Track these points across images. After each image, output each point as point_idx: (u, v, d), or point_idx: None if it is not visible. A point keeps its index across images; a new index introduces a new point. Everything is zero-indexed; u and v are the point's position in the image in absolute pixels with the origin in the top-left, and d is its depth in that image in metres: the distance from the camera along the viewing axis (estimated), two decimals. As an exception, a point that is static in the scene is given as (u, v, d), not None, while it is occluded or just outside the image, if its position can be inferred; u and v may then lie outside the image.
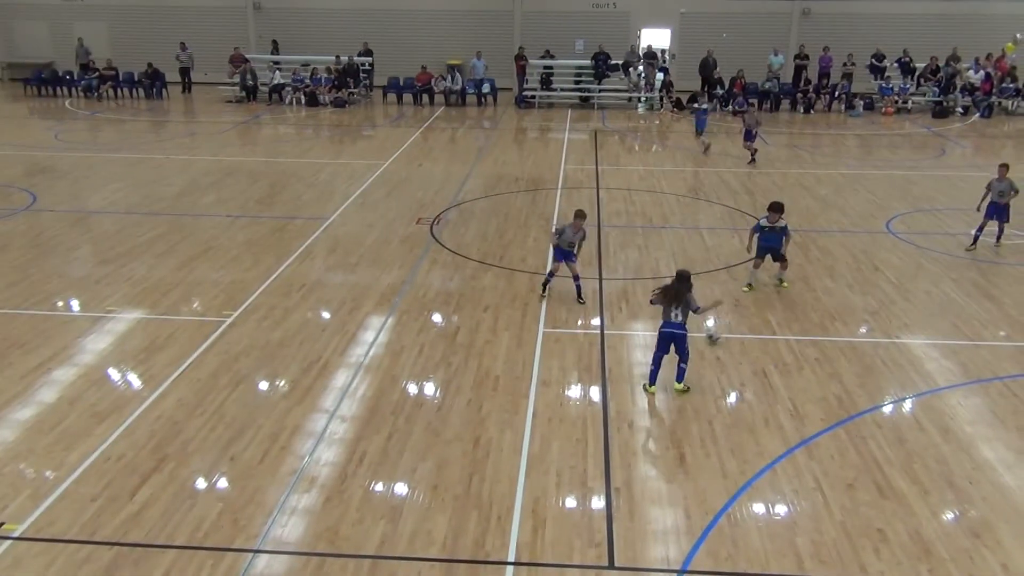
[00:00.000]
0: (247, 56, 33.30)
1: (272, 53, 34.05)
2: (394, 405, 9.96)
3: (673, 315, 10.18)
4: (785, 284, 13.73)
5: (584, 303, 12.92)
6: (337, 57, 32.41)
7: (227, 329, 11.93)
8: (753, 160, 22.29)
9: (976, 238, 15.43)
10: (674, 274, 10.48)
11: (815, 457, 8.97)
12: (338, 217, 17.25)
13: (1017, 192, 15.30)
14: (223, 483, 8.45)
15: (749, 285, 13.57)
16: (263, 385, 10.47)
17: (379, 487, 8.43)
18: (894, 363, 11.14)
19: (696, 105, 24.97)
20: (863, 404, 10.04)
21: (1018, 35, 29.29)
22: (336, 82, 31.69)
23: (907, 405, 10.16)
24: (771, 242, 13.49)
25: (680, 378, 10.31)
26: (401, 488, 8.42)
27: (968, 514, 8.06)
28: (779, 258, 13.61)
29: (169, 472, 8.57)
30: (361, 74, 32.99)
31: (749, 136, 22.34)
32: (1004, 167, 15.40)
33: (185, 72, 33.54)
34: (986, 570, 7.28)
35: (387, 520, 7.90)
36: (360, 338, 11.77)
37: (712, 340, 11.63)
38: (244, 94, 32.19)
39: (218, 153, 23.39)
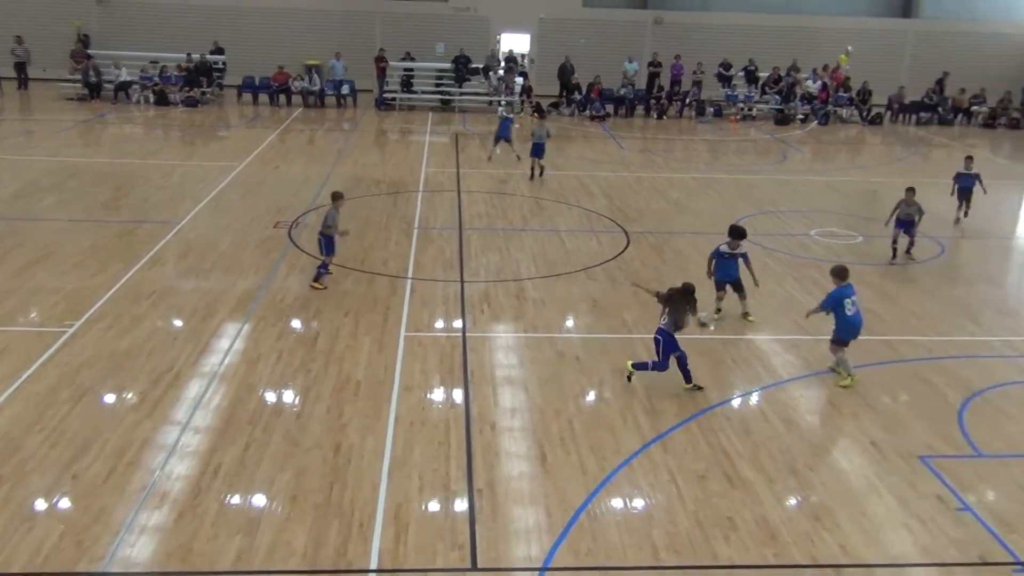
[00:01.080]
0: (90, 51, 31.60)
1: (84, 47, 32.06)
2: (251, 414, 9.68)
3: (661, 319, 10.55)
4: (751, 318, 12.84)
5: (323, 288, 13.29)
6: (188, 55, 31.21)
7: (69, 340, 11.29)
8: (537, 175, 20.80)
9: (895, 251, 15.95)
10: (682, 286, 10.69)
11: (670, 451, 9.29)
12: (190, 221, 16.62)
13: (922, 214, 15.70)
14: (65, 503, 7.98)
15: (718, 310, 12.84)
16: (109, 398, 9.96)
17: (235, 500, 8.17)
18: (742, 359, 11.68)
19: (503, 113, 24.66)
20: (714, 399, 10.48)
21: (849, 48, 31.32)
22: (188, 81, 30.53)
23: (753, 398, 10.66)
24: (730, 270, 12.68)
25: (639, 366, 10.77)
26: (259, 500, 8.19)
27: (809, 499, 8.53)
28: (738, 288, 12.75)
29: (4, 494, 8.02)
30: (214, 73, 31.89)
31: (536, 151, 20.85)
32: (911, 191, 15.74)
33: (21, 67, 31.51)
34: (826, 551, 7.73)
35: (244, 534, 7.66)
36: (214, 346, 11.38)
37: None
38: (87, 91, 30.55)
39: (58, 153, 22.11)
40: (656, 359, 10.58)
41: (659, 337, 10.47)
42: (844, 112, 32.68)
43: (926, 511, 8.35)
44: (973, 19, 35.94)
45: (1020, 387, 11.08)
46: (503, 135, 23.21)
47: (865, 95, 32.42)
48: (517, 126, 29.43)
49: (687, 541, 7.82)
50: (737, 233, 12.74)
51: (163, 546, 7.46)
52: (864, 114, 32.37)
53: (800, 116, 32.21)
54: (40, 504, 7.95)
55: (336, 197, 13.59)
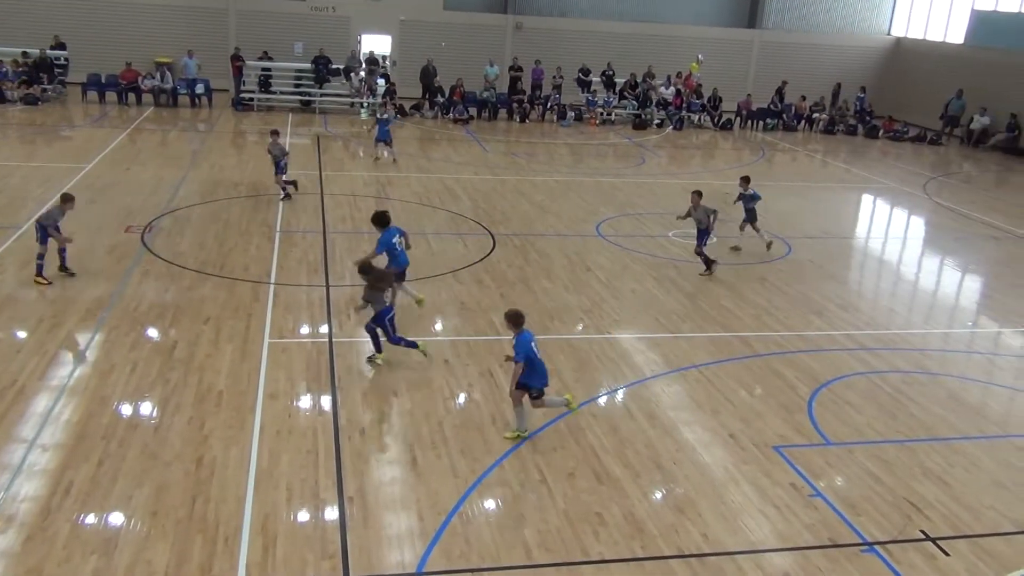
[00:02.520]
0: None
1: None
2: (105, 429, 9.21)
3: (387, 297, 11.06)
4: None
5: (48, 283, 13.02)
6: (24, 52, 29.32)
7: None
8: (287, 196, 18.78)
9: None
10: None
11: (539, 450, 9.43)
12: (32, 226, 15.61)
13: (715, 213, 15.69)
14: None
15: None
16: (-56, 416, 9.27)
17: (90, 519, 7.76)
18: (607, 357, 11.98)
19: (379, 115, 24.67)
20: (580, 397, 10.69)
21: (700, 56, 32.65)
22: (27, 77, 28.73)
23: (619, 396, 10.96)
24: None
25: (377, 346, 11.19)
26: (115, 518, 7.81)
27: (674, 492, 8.85)
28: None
29: None
30: (55, 69, 30.13)
31: (279, 168, 18.91)
32: (697, 194, 15.52)
33: None
34: (690, 541, 8.03)
35: (99, 554, 7.29)
36: (62, 358, 10.77)
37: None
38: (-89, 87, 28.33)
39: None
40: (390, 335, 11.04)
41: (383, 313, 10.93)
42: (696, 118, 34.00)
43: (781, 498, 8.81)
44: (811, 31, 38.13)
45: (862, 378, 11.83)
46: (382, 138, 23.14)
47: (716, 101, 33.84)
48: (396, 120, 29.23)
49: (558, 539, 7.96)
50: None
51: (11, 571, 7.01)
52: (715, 120, 33.79)
53: (656, 121, 33.30)
54: None
55: (66, 199, 13.67)
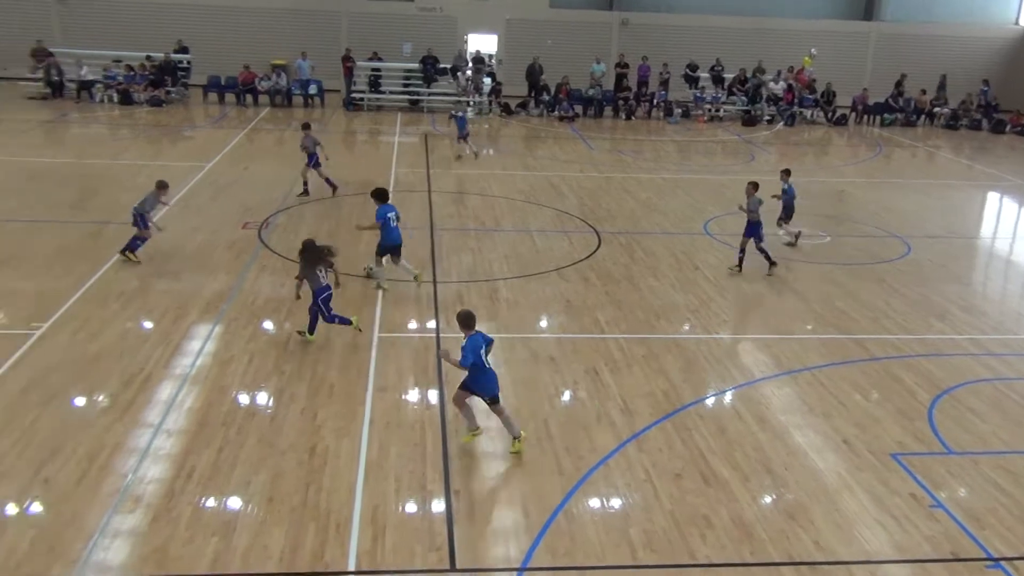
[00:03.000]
0: (51, 50, 31.07)
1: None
2: (224, 416, 9.59)
3: (323, 278, 11.31)
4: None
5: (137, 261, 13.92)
6: (148, 56, 30.76)
7: (36, 342, 11.11)
8: (305, 192, 18.90)
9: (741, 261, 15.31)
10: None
11: (645, 450, 9.35)
12: (158, 221, 16.37)
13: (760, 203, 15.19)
14: (36, 508, 7.87)
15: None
16: (79, 401, 9.82)
17: (210, 502, 8.09)
18: (714, 358, 11.77)
19: (455, 113, 24.69)
20: (687, 397, 10.55)
21: (813, 50, 31.70)
22: (153, 80, 30.14)
23: (727, 397, 10.76)
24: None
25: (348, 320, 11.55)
26: (234, 502, 8.12)
27: (784, 497, 8.63)
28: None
29: (-27, 500, 7.90)
30: (178, 72, 31.51)
31: (311, 161, 18.97)
32: (752, 185, 14.96)
33: (-20, 66, 30.99)
34: (801, 548, 7.82)
35: (220, 536, 7.60)
36: (185, 348, 11.26)
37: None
38: (49, 90, 30.04)
39: (20, 154, 21.72)
40: (325, 314, 11.35)
41: (317, 292, 11.26)
42: (809, 113, 33.06)
43: (899, 508, 8.48)
44: (933, 21, 36.55)
45: (987, 384, 11.28)
46: (463, 134, 23.41)
47: (830, 96, 32.84)
48: (472, 116, 29.45)
49: (664, 540, 7.87)
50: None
51: (138, 550, 7.37)
52: (829, 115, 32.79)
53: (767, 117, 32.54)
54: (11, 509, 7.82)
55: (161, 186, 14.70)
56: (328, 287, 11.36)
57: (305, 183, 18.98)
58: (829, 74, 33.13)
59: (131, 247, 14.20)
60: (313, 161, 18.92)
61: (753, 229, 14.83)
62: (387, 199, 13.63)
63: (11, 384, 9.99)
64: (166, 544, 7.45)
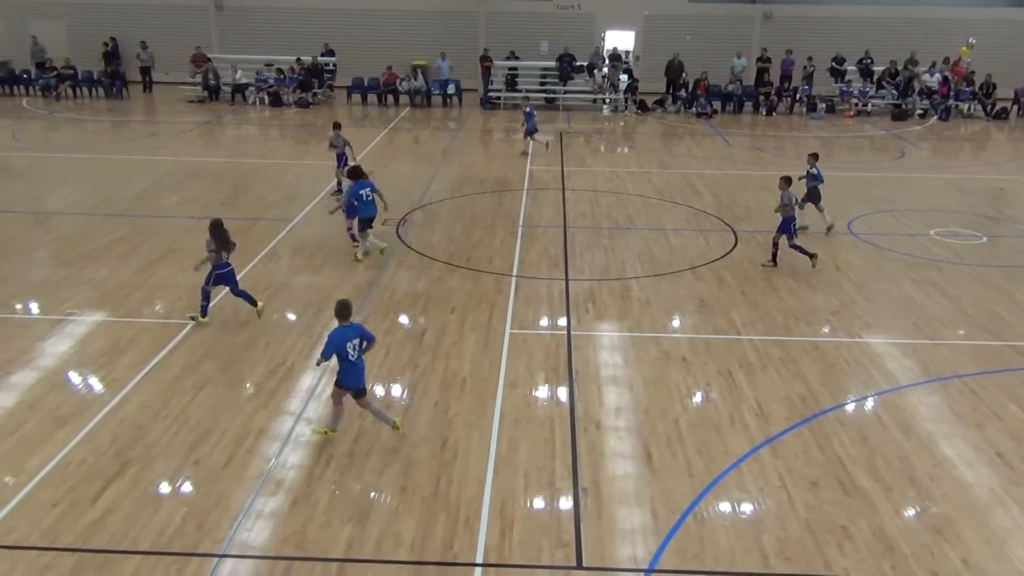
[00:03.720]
0: (209, 55, 32.92)
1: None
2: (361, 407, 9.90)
3: (224, 256, 11.92)
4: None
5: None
6: (298, 59, 32.13)
7: (191, 332, 11.79)
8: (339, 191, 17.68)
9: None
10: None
11: (780, 455, 9.07)
12: (303, 218, 17.12)
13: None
14: (187, 487, 8.36)
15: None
16: (228, 388, 10.36)
17: (346, 489, 8.38)
18: (856, 362, 11.30)
19: (527, 110, 24.62)
20: (826, 403, 10.17)
21: (972, 40, 29.89)
22: (301, 82, 31.45)
23: (869, 403, 10.31)
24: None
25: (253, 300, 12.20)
26: (368, 490, 8.38)
27: (929, 511, 8.20)
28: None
29: (132, 477, 8.45)
30: (325, 74, 32.77)
31: (341, 161, 18.61)
32: (785, 180, 14.58)
33: (146, 71, 33.10)
34: (947, 565, 7.41)
35: (354, 522, 7.86)
36: (326, 340, 11.66)
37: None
38: (206, 94, 31.86)
39: (180, 153, 23.13)
40: (234, 293, 12.20)
41: (212, 270, 11.91)
42: (966, 107, 31.23)
43: (1058, 526, 7.92)
44: (1110, 6, 33.84)
45: None
46: (533, 130, 23.62)
47: (989, 89, 30.92)
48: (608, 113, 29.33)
49: (799, 548, 7.62)
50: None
51: (279, 531, 7.72)
52: (988, 109, 30.87)
53: (919, 111, 30.96)
54: (164, 487, 8.34)
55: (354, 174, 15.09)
56: (228, 265, 12.02)
57: (339, 183, 18.57)
58: (988, 65, 31.15)
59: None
60: (343, 162, 18.37)
61: (785, 225, 14.42)
62: (361, 177, 14.51)
63: (167, 370, 10.65)
64: (304, 527, 7.77)
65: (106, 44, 33.38)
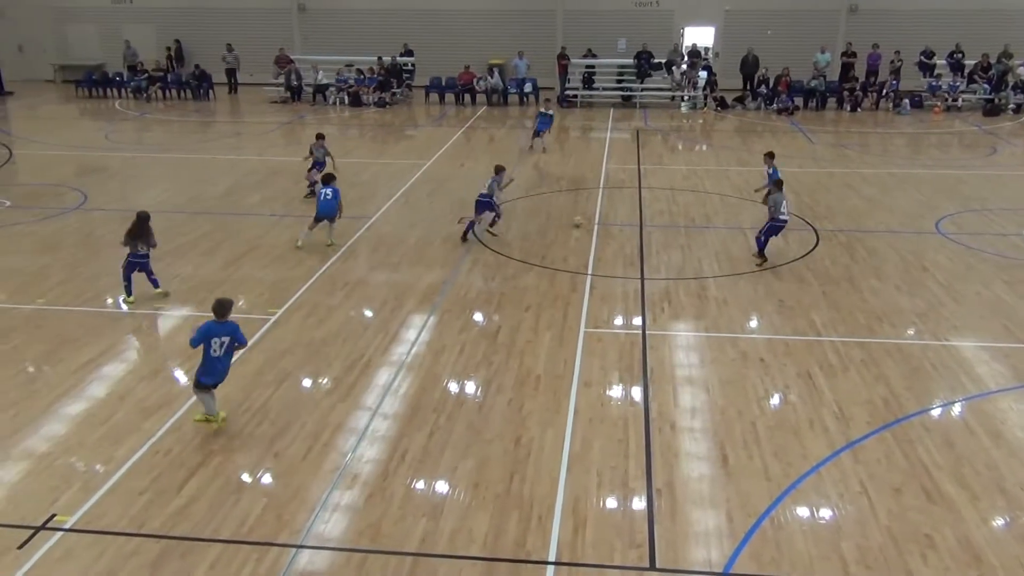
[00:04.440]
0: (292, 57, 33.65)
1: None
2: (436, 403, 10.01)
3: (139, 248, 12.73)
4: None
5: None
6: (379, 58, 32.61)
7: (272, 327, 12.08)
8: (312, 193, 18.17)
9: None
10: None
11: (861, 460, 8.84)
12: (380, 216, 17.37)
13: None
14: (267, 479, 8.56)
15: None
16: (307, 382, 10.59)
17: (421, 485, 8.48)
18: (943, 365, 10.93)
19: (543, 110, 24.07)
20: (910, 407, 9.87)
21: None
22: (380, 82, 31.90)
23: (956, 409, 9.96)
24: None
25: (157, 284, 13.02)
26: (442, 486, 8.46)
27: (1019, 521, 7.88)
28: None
29: (215, 467, 8.71)
30: (403, 74, 33.17)
31: (318, 166, 18.65)
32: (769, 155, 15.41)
33: (231, 73, 34.00)
34: (1037, 580, 7.13)
35: (429, 518, 7.94)
36: (402, 336, 11.84)
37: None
38: (289, 94, 32.56)
39: (263, 153, 23.70)
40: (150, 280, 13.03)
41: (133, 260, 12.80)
42: (1064, 101, 29.94)
43: None
44: None
45: None
46: (543, 129, 23.39)
47: (1089, 82, 29.58)
48: (687, 110, 28.97)
49: (880, 556, 7.41)
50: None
51: (354, 525, 7.85)
52: (1088, 103, 29.55)
53: (1012, 106, 29.76)
54: (247, 478, 8.56)
55: (498, 170, 16.32)
56: (145, 255, 12.82)
57: (311, 185, 18.57)
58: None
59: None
60: (320, 168, 18.32)
61: (778, 228, 14.45)
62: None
63: (249, 365, 10.92)
64: (379, 521, 7.89)
65: (168, 48, 34.66)
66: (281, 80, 32.85)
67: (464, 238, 15.71)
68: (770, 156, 16.96)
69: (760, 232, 14.66)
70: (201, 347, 9.15)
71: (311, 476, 8.56)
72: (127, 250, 12.86)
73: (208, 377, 9.18)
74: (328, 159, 18.86)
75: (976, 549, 7.47)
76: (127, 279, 12.93)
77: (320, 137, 19.51)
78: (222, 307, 9.25)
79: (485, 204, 15.79)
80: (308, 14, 35.56)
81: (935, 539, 7.62)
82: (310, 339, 11.71)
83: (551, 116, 24.13)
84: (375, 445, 9.16)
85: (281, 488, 8.37)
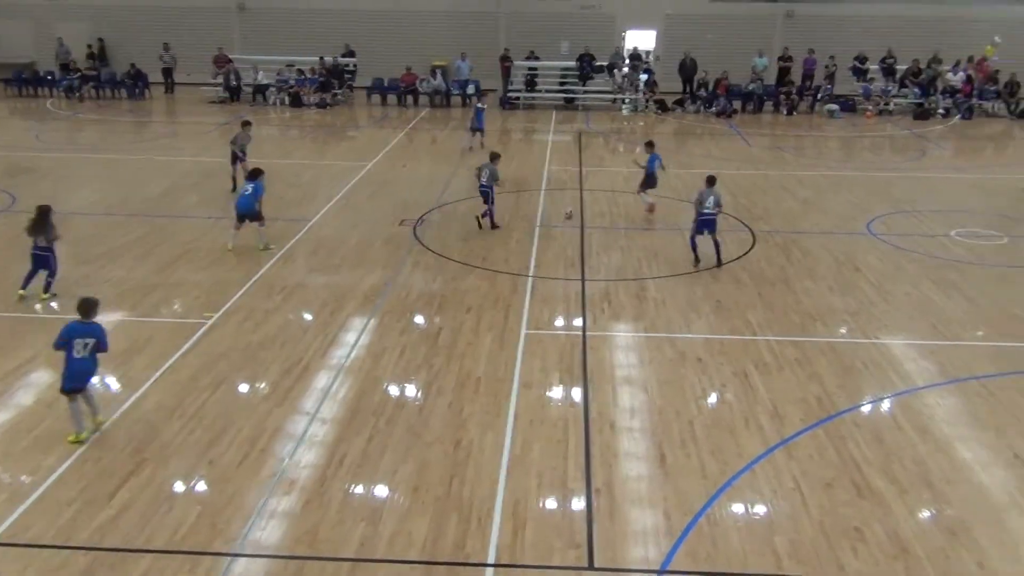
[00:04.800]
0: (231, 56, 33.13)
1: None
2: (375, 407, 9.94)
3: (39, 241, 12.68)
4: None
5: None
6: (321, 59, 32.31)
7: (208, 331, 11.88)
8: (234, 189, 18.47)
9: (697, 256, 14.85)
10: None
11: (794, 457, 9.01)
12: (321, 218, 17.20)
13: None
14: (202, 486, 8.41)
15: None
16: (243, 387, 10.43)
17: (359, 489, 8.41)
18: (873, 363, 11.21)
19: (479, 105, 24.58)
20: (842, 404, 10.10)
21: (997, 38, 29.56)
22: (322, 83, 31.59)
23: (885, 405, 10.22)
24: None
25: (47, 288, 12.89)
26: (381, 490, 8.41)
27: (945, 513, 8.11)
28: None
29: (147, 475, 8.53)
30: (345, 75, 32.90)
31: (239, 158, 18.99)
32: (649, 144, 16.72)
33: (168, 72, 33.35)
34: (962, 568, 7.33)
35: (367, 522, 7.88)
36: (342, 340, 11.74)
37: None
38: (227, 95, 32.06)
39: (200, 154, 23.29)
40: (49, 276, 12.92)
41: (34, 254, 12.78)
42: (990, 106, 30.90)
43: (1076, 531, 7.82)
44: None
45: None
46: (479, 126, 23.72)
47: (1013, 88, 30.56)
48: (628, 112, 29.28)
49: (812, 551, 7.56)
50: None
51: (291, 531, 7.76)
52: (1012, 108, 30.51)
53: (941, 111, 30.65)
54: (179, 486, 8.40)
55: (493, 157, 16.87)
56: (46, 249, 12.76)
57: (234, 179, 18.89)
58: (1013, 64, 30.80)
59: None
60: (241, 157, 18.88)
61: (703, 223, 14.55)
62: (254, 177, 15.30)
63: (184, 370, 10.73)
64: (317, 527, 7.81)
65: (90, 47, 33.91)
66: (219, 80, 32.33)
67: (493, 225, 16.54)
68: (650, 145, 17.91)
69: (691, 234, 14.83)
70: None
71: (247, 483, 8.44)
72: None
73: (69, 381, 8.93)
74: (248, 148, 18.98)
75: (903, 541, 7.67)
76: (30, 274, 12.86)
77: (246, 124, 19.54)
78: (87, 306, 9.09)
79: (486, 193, 16.51)
80: (248, 13, 35.08)
81: (865, 532, 7.80)
82: (247, 343, 11.54)
83: (483, 109, 24.45)
84: (313, 450, 9.07)
85: (216, 495, 8.24)
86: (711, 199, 14.46)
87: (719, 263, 14.52)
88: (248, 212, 14.94)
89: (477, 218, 16.58)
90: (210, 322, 12.14)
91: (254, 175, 15.34)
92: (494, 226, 16.53)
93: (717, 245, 14.60)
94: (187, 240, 15.69)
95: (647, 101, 31.81)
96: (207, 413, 9.71)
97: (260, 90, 32.16)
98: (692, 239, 14.80)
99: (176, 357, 11.05)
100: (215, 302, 12.81)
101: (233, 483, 8.41)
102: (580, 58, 32.58)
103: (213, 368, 10.80)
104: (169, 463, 8.74)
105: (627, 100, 32.27)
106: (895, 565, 7.38)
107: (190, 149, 24.06)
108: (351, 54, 33.63)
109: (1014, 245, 16.04)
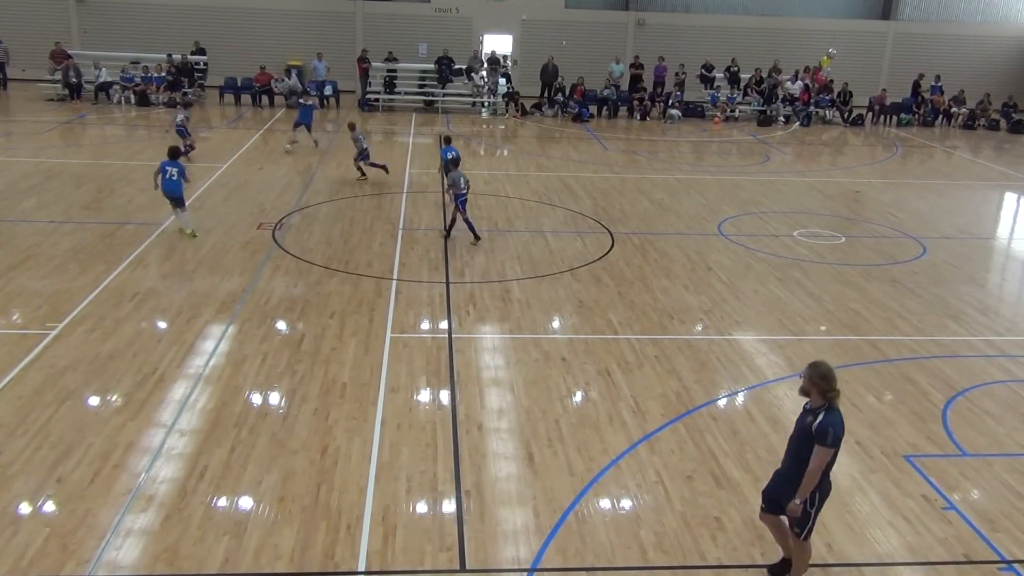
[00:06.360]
0: (70, 52, 31.32)
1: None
2: (237, 417, 9.63)
3: None
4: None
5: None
6: (169, 56, 31.01)
7: (51, 342, 11.19)
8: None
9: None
10: None
11: (656, 451, 9.32)
12: (173, 222, 16.50)
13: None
14: (50, 507, 7.92)
15: None
16: (93, 401, 9.88)
17: (222, 502, 8.13)
18: (727, 358, 11.73)
19: (302, 101, 24.85)
20: (700, 399, 10.52)
21: (832, 50, 31.54)
22: (171, 81, 30.32)
23: (739, 398, 10.71)
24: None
25: None
26: (246, 502, 8.15)
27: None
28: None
29: (-13, 498, 7.96)
30: (195, 74, 31.70)
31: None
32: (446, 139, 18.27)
33: (0, 68, 31.22)
34: (813, 550, 7.75)
35: (231, 536, 7.63)
36: (199, 348, 11.31)
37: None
38: (67, 92, 30.29)
39: (38, 155, 21.91)
40: None
41: None
42: (826, 113, 32.92)
43: (911, 510, 8.43)
44: (951, 21, 36.32)
45: (1002, 387, 11.19)
46: (304, 121, 23.84)
47: (846, 96, 32.66)
48: (487, 116, 29.58)
49: (675, 541, 7.85)
50: None
51: (150, 549, 7.41)
52: (845, 115, 32.62)
53: (782, 117, 32.40)
54: (24, 508, 7.88)
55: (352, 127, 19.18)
56: None
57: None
58: (846, 74, 33.00)
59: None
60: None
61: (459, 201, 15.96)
62: (171, 156, 15.81)
63: (26, 384, 10.08)
64: (177, 543, 7.49)
65: None
66: (58, 77, 30.51)
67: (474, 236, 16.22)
68: (446, 140, 18.64)
69: (462, 215, 16.02)
70: None
71: (100, 500, 8.00)
72: None
73: None
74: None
75: (759, 528, 8.03)
76: None
77: (186, 106, 19.65)
78: None
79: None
80: (87, 6, 33.25)
81: (723, 521, 8.15)
82: (95, 354, 10.94)
83: (311, 107, 24.35)
84: (171, 464, 8.70)
85: (66, 516, 7.77)
86: (462, 179, 15.90)
87: (448, 234, 16.24)
88: (174, 194, 15.37)
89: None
90: (54, 332, 11.45)
91: (173, 154, 15.83)
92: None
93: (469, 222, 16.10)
94: (27, 246, 14.73)
95: (507, 105, 32.14)
96: (53, 429, 9.15)
97: (103, 88, 30.54)
98: (466, 220, 16.04)
99: (16, 371, 10.36)
100: (58, 311, 12.09)
101: (85, 501, 7.96)
102: (439, 61, 32.60)
103: (59, 381, 10.19)
104: (12, 483, 8.18)
105: (486, 104, 32.52)
106: (752, 551, 7.75)
107: (27, 149, 22.56)
108: (202, 52, 32.42)
109: (850, 244, 17.12)
